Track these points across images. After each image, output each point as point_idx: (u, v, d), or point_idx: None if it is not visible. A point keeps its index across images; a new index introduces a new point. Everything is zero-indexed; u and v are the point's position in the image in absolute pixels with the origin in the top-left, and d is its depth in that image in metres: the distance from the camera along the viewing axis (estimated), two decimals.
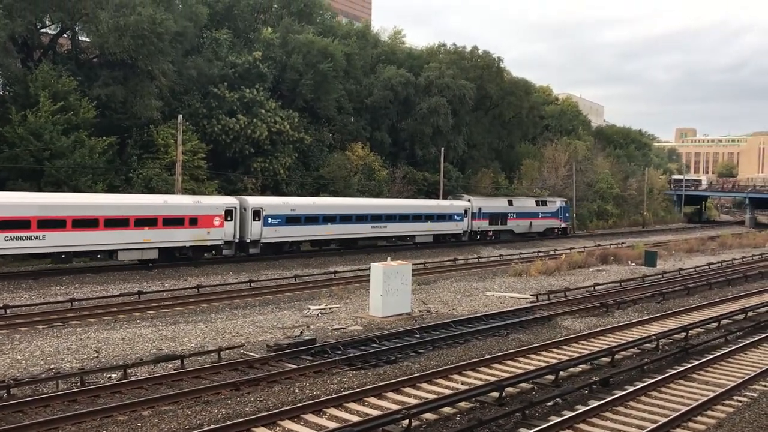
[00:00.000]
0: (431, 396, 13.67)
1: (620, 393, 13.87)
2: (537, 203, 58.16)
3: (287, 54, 48.41)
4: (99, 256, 30.00)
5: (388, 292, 21.76)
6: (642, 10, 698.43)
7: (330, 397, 13.31)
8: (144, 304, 24.12)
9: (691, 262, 42.73)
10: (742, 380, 15.00)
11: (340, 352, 16.77)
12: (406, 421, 11.69)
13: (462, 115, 61.29)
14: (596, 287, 29.23)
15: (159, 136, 39.85)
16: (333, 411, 12.71)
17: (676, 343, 18.99)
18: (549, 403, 13.32)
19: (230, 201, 34.88)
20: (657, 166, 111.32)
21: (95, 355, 16.47)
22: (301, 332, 18.99)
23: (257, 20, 52.78)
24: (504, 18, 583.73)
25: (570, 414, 12.53)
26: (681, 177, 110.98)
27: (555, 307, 24.49)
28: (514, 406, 12.77)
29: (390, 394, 13.78)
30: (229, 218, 33.96)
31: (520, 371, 15.59)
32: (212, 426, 11.52)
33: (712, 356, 17.23)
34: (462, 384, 14.67)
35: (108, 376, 14.67)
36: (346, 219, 40.06)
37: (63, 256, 28.73)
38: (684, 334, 19.66)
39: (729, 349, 18.08)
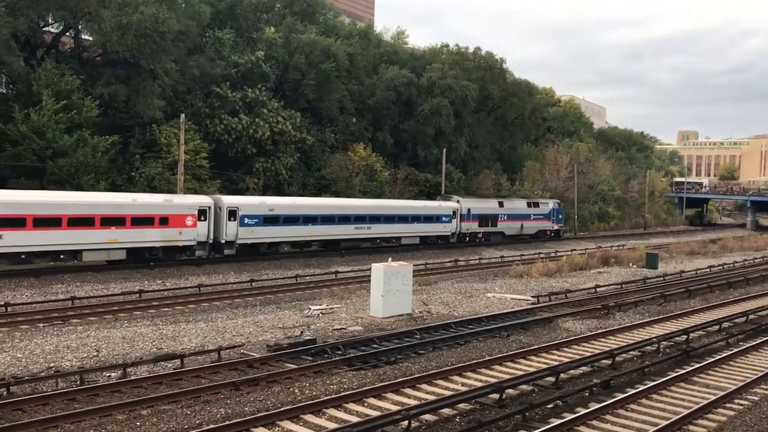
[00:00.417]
0: (431, 397, 13.64)
1: (621, 395, 13.83)
2: (529, 205, 57.04)
3: (290, 54, 48.42)
4: (62, 257, 28.90)
5: (389, 292, 21.74)
6: (646, 11, 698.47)
7: (330, 397, 13.29)
8: (145, 302, 24.11)
9: (693, 264, 42.68)
10: (743, 383, 14.96)
11: (340, 352, 16.75)
12: (406, 422, 11.66)
13: (464, 116, 61.20)
14: (597, 289, 29.20)
15: (161, 136, 39.86)
16: (332, 411, 12.68)
17: (677, 345, 18.96)
18: (549, 405, 13.28)
19: (204, 200, 33.79)
20: (659, 169, 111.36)
21: (95, 353, 16.47)
22: (302, 332, 18.98)
23: (260, 19, 52.79)
24: (506, 19, 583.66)
25: (570, 416, 12.50)
26: (682, 179, 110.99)
27: (556, 309, 24.44)
28: (514, 408, 12.73)
29: (390, 395, 13.75)
30: (202, 218, 32.82)
31: (520, 373, 15.54)
32: (211, 426, 11.49)
33: (713, 359, 17.19)
34: (462, 385, 14.64)
35: (108, 374, 14.66)
36: (327, 220, 39.18)
37: (23, 256, 27.64)
38: (685, 336, 19.63)
39: (730, 352, 18.04)
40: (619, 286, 30.76)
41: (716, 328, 21.66)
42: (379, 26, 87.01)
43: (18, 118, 33.50)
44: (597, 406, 13.11)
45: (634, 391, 14.13)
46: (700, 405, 13.32)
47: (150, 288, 26.88)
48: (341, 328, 20.10)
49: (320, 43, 48.93)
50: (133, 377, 14.42)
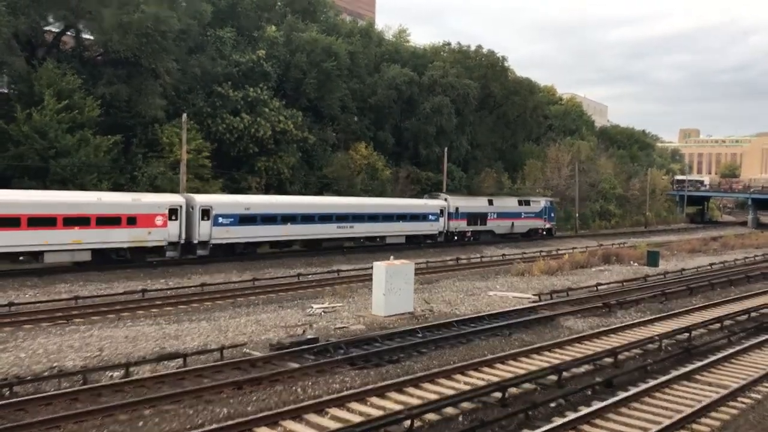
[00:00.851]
0: (434, 396, 13.62)
1: (624, 394, 13.80)
2: (520, 203, 55.61)
3: (291, 52, 48.42)
4: (21, 258, 28.05)
5: (391, 291, 21.73)
6: (647, 10, 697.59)
7: (332, 396, 13.28)
8: (148, 302, 24.11)
9: (694, 262, 42.64)
10: (745, 382, 14.93)
11: (342, 351, 16.74)
12: (409, 422, 11.66)
13: (466, 115, 61.18)
14: (599, 287, 29.18)
15: (163, 135, 39.87)
16: (335, 411, 12.68)
17: (678, 343, 18.94)
18: (552, 404, 13.29)
19: (175, 199, 32.85)
20: (660, 167, 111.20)
21: (98, 353, 16.47)
22: (304, 331, 18.99)
23: (261, 18, 52.74)
24: (507, 17, 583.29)
25: (573, 415, 12.48)
26: (684, 177, 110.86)
27: (557, 307, 24.43)
28: (517, 407, 12.74)
29: (392, 394, 13.74)
30: (173, 217, 31.89)
31: (522, 371, 15.54)
32: (214, 425, 11.50)
33: (715, 357, 17.15)
34: (464, 384, 14.63)
35: (110, 374, 14.67)
36: (308, 219, 38.16)
37: None
38: (687, 334, 19.62)
39: (732, 351, 17.99)
40: (621, 284, 30.73)
41: (718, 325, 21.64)
42: (381, 25, 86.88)
43: (20, 118, 33.54)
44: (600, 404, 13.09)
45: (636, 390, 14.09)
46: (704, 404, 13.28)
47: (153, 287, 26.90)
48: (343, 327, 20.09)
49: (321, 42, 48.91)
50: (135, 377, 14.43)
